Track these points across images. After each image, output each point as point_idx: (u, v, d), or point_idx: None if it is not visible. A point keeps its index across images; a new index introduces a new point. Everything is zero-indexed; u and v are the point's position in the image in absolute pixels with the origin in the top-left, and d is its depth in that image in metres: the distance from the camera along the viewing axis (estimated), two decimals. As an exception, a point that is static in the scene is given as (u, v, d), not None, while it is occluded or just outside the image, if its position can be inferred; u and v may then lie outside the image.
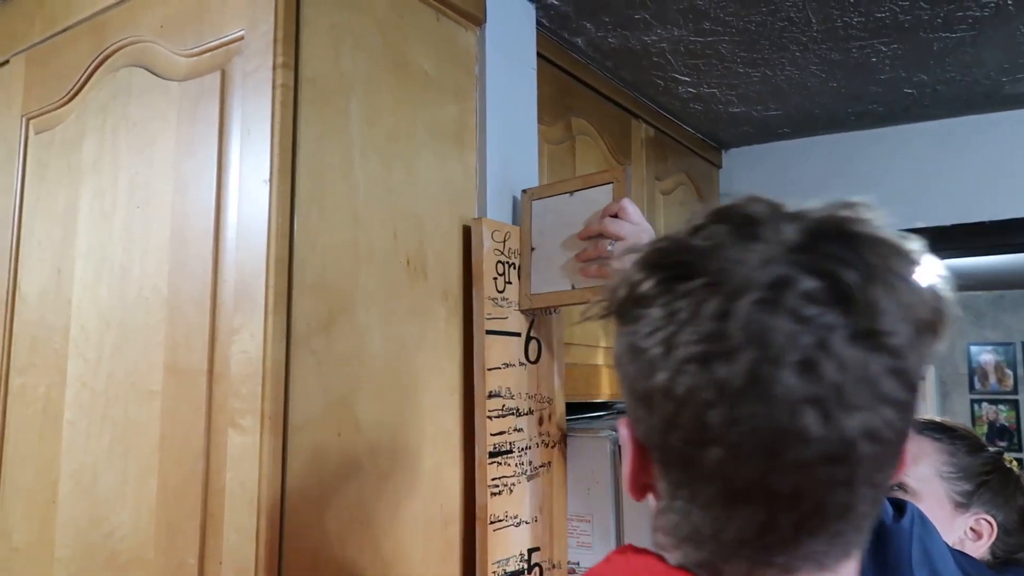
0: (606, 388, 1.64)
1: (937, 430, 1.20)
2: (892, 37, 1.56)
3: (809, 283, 0.39)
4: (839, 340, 0.39)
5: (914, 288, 0.41)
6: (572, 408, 1.64)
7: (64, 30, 1.31)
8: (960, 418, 4.81)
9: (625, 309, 0.46)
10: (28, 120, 1.35)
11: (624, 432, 0.50)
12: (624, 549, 0.50)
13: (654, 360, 0.43)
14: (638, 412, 0.46)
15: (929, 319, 0.42)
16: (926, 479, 1.15)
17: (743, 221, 0.43)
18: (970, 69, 1.72)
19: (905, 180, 2.09)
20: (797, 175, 2.25)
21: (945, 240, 2.01)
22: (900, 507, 0.87)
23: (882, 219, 0.43)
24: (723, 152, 2.35)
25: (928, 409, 4.76)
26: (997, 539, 1.15)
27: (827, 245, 0.41)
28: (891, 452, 0.42)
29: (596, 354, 1.62)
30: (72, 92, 1.27)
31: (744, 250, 0.41)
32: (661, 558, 0.47)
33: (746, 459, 0.40)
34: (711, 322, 0.40)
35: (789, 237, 0.41)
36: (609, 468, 1.26)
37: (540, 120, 1.48)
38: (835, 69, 1.72)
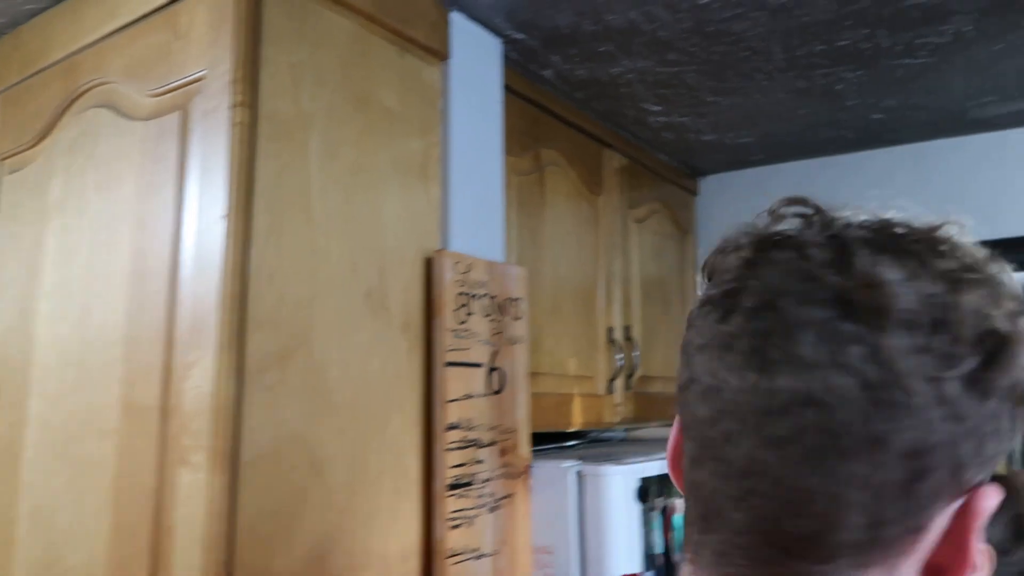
0: (578, 417, 1.64)
1: None
2: (856, 64, 1.58)
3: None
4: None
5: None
6: (544, 438, 1.65)
7: (38, 72, 1.34)
8: None
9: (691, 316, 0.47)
10: (3, 161, 1.37)
11: (676, 422, 0.50)
12: None
13: (689, 351, 0.45)
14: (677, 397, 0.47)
15: None
16: None
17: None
18: (935, 94, 1.74)
19: (877, 203, 2.11)
20: (772, 200, 2.26)
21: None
22: None
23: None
24: (699, 179, 2.37)
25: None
26: (996, 565, 1.11)
27: None
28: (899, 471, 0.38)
29: (568, 383, 1.63)
30: (42, 133, 1.29)
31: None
32: None
33: (741, 433, 0.40)
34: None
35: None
36: (574, 498, 1.26)
37: (508, 152, 1.50)
38: (802, 96, 1.74)
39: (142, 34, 1.17)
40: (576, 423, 1.65)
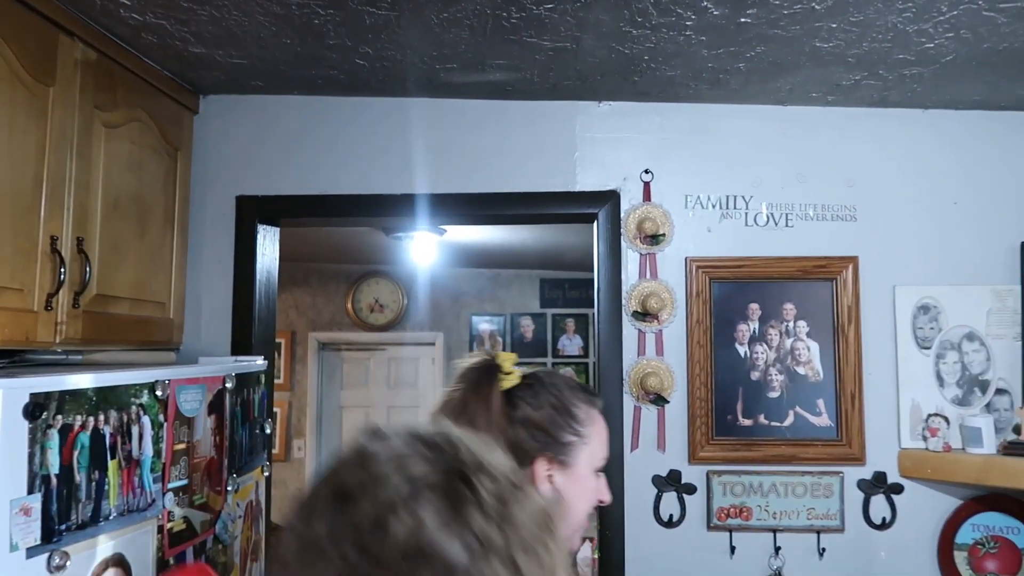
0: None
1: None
2: (327, 1, 1.64)
3: None
4: None
5: None
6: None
7: None
8: (460, 376, 5.48)
9: None
10: None
11: None
12: None
13: None
14: None
15: None
16: None
17: None
18: (405, 50, 1.91)
19: (366, 148, 2.26)
20: (276, 131, 2.28)
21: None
22: None
23: None
24: (201, 97, 2.26)
25: (435, 374, 5.38)
26: None
27: None
28: None
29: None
30: None
31: None
32: None
33: None
34: None
35: None
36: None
37: None
38: (283, 24, 1.75)
39: None
40: (-8, 339, 1.44)
